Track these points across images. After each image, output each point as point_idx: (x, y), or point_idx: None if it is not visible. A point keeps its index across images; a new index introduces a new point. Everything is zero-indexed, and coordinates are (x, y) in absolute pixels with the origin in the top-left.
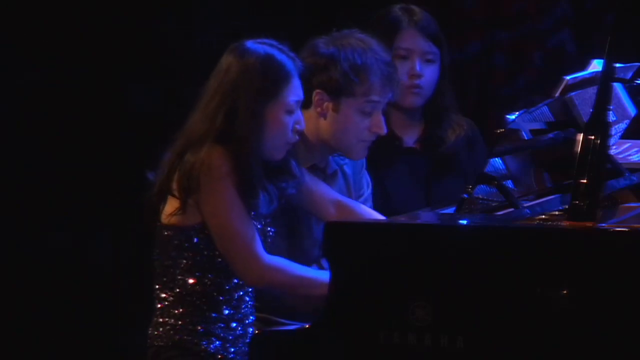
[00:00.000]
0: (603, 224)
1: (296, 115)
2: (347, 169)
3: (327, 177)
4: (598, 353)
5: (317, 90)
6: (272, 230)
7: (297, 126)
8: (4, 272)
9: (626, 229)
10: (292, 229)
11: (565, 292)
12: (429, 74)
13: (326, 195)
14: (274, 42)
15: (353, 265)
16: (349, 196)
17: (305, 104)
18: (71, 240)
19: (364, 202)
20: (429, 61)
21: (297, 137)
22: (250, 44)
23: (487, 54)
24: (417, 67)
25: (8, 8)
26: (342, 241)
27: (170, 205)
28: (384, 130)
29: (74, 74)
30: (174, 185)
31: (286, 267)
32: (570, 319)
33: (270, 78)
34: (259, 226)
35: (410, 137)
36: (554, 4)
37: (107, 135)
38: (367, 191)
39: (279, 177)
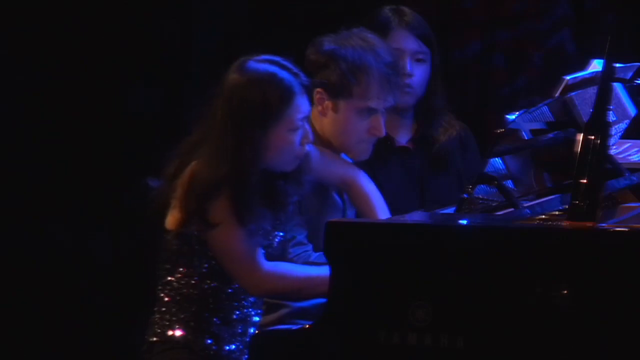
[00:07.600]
0: (603, 224)
1: (302, 130)
2: None
3: None
4: (598, 353)
5: (317, 90)
6: (280, 235)
7: (305, 140)
8: (4, 271)
9: (626, 229)
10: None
11: (565, 292)
12: (419, 73)
13: (339, 174)
14: (277, 59)
15: (353, 265)
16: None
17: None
18: (71, 239)
19: None
20: (419, 60)
21: (305, 149)
22: (252, 63)
23: (487, 54)
24: (408, 67)
25: (8, 8)
26: (342, 241)
27: (173, 213)
28: (382, 133)
29: (75, 74)
30: (177, 196)
31: (287, 272)
32: (570, 318)
33: (272, 99)
34: (261, 241)
35: (402, 136)
36: (554, 4)
37: (107, 135)
38: None
39: (285, 184)
